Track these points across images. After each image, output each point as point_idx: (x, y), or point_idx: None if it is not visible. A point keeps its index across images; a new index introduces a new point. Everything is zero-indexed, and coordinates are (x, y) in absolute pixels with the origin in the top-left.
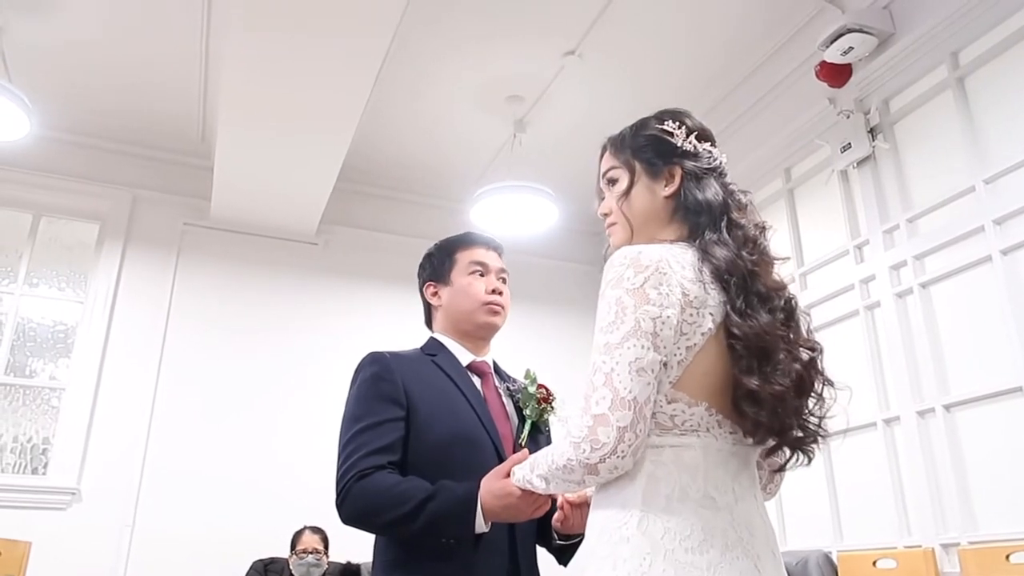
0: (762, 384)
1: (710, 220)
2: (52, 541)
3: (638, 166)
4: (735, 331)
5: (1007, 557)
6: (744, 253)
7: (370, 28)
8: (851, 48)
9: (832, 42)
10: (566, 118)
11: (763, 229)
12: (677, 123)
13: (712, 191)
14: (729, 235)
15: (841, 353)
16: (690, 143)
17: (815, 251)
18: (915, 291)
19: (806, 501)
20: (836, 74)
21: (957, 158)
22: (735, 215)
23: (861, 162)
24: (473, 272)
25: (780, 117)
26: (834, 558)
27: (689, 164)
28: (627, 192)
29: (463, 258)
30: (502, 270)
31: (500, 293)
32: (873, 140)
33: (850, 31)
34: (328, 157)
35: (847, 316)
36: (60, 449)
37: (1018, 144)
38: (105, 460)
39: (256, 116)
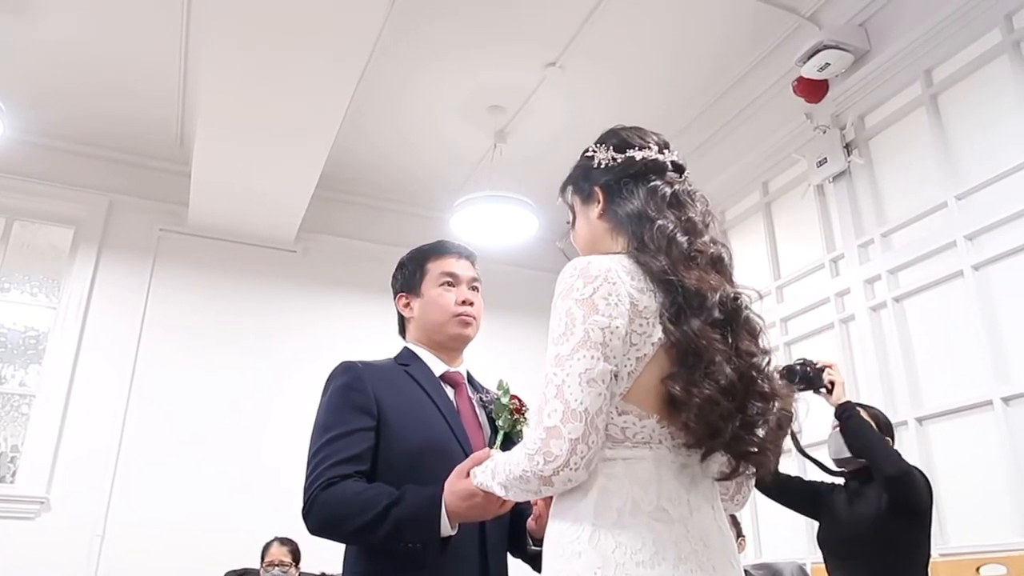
0: (685, 389)
1: (639, 228)
2: (19, 551)
3: (575, 199)
4: (669, 337)
5: (977, 569)
6: (666, 256)
7: (350, 38)
8: (827, 64)
9: (809, 58)
10: (547, 129)
11: (692, 225)
12: (599, 143)
13: (633, 199)
14: (653, 239)
15: None
16: (607, 157)
17: (791, 264)
18: (889, 305)
19: (781, 513)
20: (813, 90)
21: (930, 174)
22: (657, 217)
23: (837, 177)
24: (443, 283)
25: (758, 131)
26: (808, 570)
27: (607, 179)
28: (572, 225)
29: (434, 269)
30: (474, 279)
31: (471, 304)
32: (848, 155)
33: (827, 47)
34: (307, 165)
35: (822, 329)
36: (29, 457)
37: (990, 161)
38: (75, 469)
39: (235, 122)
